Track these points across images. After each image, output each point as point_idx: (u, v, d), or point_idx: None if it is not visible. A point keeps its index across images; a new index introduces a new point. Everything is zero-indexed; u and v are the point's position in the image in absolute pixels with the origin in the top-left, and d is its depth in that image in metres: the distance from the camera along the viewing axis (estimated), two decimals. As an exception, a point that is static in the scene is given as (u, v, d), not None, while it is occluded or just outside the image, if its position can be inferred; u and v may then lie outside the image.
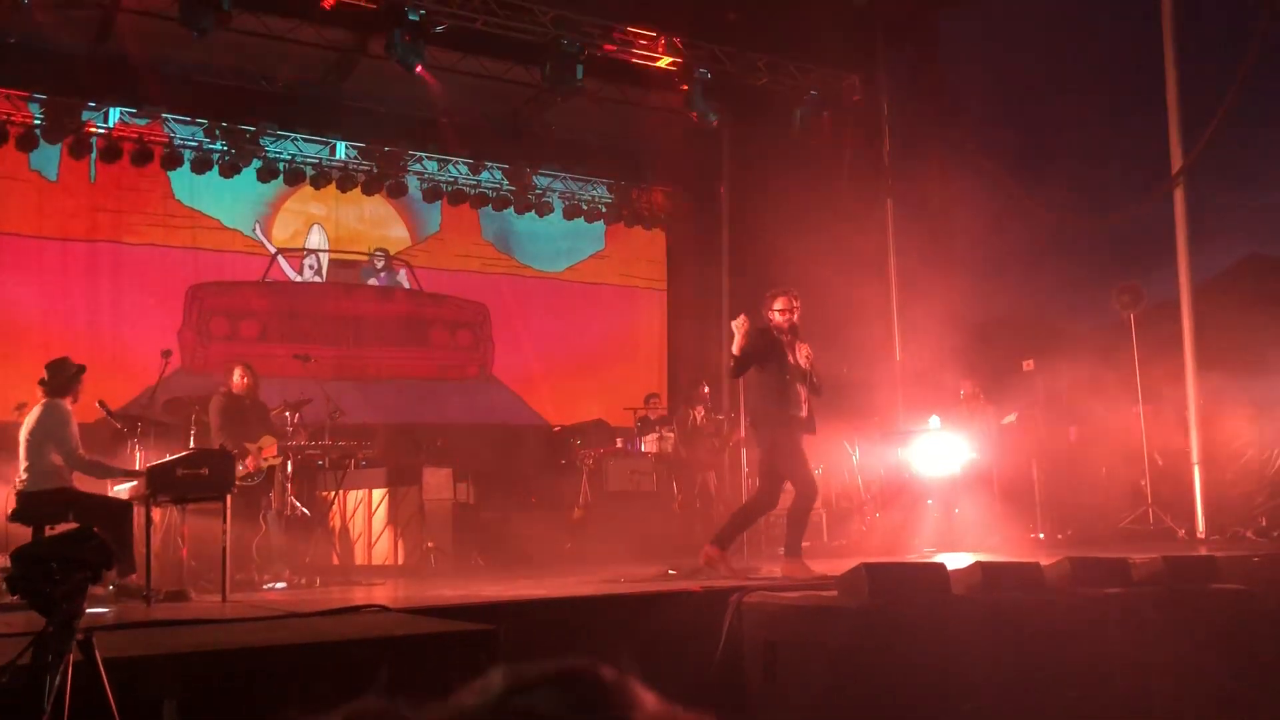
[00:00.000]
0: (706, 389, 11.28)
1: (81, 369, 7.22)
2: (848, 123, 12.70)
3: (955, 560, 6.41)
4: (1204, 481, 9.50)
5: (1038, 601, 5.35)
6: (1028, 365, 11.23)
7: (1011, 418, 10.32)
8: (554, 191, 13.98)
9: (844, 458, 10.55)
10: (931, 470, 9.91)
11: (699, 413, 11.18)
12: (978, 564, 5.59)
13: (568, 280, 14.27)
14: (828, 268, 11.21)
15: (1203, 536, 9.30)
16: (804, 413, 7.15)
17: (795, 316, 7.15)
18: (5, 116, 10.93)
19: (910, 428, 10.55)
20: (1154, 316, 10.40)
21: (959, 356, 10.63)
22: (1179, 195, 9.71)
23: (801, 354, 7.13)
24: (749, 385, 7.44)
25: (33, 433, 6.97)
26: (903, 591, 5.17)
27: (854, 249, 12.01)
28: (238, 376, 8.71)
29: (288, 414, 8.94)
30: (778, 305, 7.17)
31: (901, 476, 10.23)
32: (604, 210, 14.36)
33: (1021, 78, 11.97)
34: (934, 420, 10.32)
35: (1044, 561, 5.83)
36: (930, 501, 9.85)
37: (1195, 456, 9.56)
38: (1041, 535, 9.92)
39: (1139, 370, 10.12)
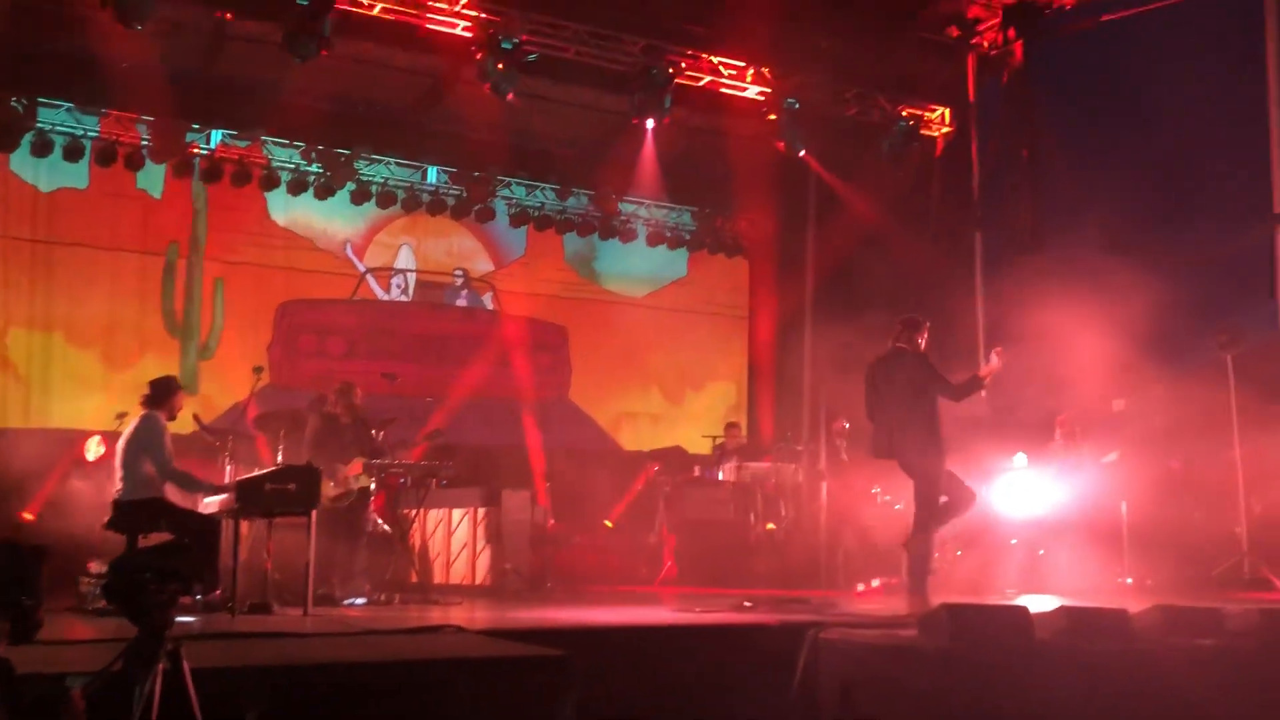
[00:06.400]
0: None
1: (180, 385, 7.46)
2: (937, 155, 12.59)
3: (1039, 603, 6.27)
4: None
5: (1126, 650, 5.20)
6: (1118, 405, 10.91)
7: (1113, 456, 9.99)
8: (638, 218, 14.06)
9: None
10: (1016, 510, 9.67)
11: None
12: (1062, 608, 5.46)
13: (649, 306, 14.30)
14: (913, 301, 11.07)
15: (1301, 588, 8.93)
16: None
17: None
18: (115, 137, 11.37)
19: (995, 465, 10.31)
20: (1253, 358, 10.04)
21: (1046, 394, 10.39)
22: (1281, 235, 9.43)
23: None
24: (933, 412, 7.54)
25: (129, 443, 7.20)
26: (984, 634, 5.06)
27: (941, 282, 11.86)
28: (336, 396, 8.83)
29: (373, 431, 9.07)
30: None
31: (985, 515, 10.00)
32: (687, 237, 14.38)
33: (1118, 111, 11.72)
34: (1020, 458, 10.08)
35: (1132, 608, 5.66)
36: (1014, 541, 9.62)
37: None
38: (1129, 580, 9.61)
39: (1235, 413, 9.77)
